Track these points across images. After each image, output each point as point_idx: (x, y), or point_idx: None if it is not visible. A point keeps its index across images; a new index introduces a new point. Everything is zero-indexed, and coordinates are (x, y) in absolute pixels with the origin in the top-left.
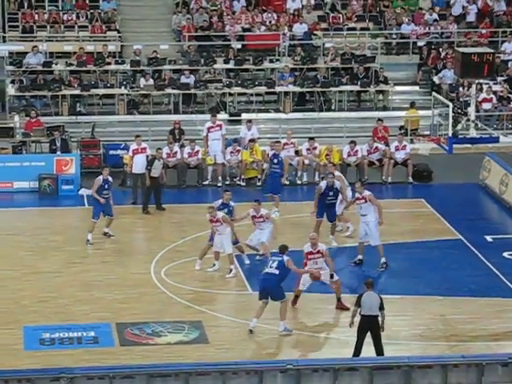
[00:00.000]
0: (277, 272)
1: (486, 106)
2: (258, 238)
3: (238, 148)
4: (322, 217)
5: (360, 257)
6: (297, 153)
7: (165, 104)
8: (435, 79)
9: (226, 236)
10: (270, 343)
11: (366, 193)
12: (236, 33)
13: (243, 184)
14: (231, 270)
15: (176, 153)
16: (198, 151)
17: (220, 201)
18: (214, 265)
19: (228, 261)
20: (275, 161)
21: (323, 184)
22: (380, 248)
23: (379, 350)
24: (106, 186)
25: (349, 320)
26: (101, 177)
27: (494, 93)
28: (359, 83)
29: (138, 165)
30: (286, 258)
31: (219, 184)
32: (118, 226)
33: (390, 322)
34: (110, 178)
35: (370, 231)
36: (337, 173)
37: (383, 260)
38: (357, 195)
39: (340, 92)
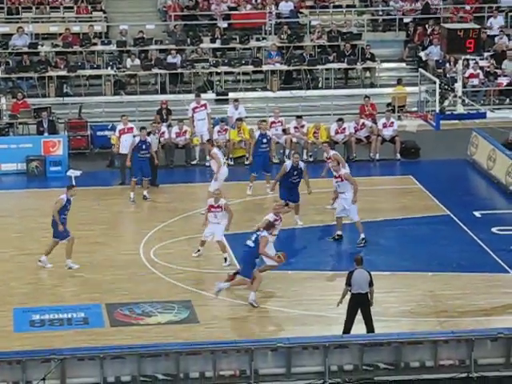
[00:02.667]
0: (252, 245)
1: (473, 81)
2: (211, 232)
3: (226, 127)
4: (285, 198)
5: (339, 232)
6: (284, 131)
7: (151, 84)
8: (422, 55)
9: (220, 225)
10: (260, 322)
11: (342, 171)
12: (222, 12)
13: (231, 163)
14: (226, 259)
15: (163, 133)
16: (185, 131)
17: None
18: (199, 250)
19: (220, 249)
20: (264, 140)
21: (288, 163)
22: (358, 224)
23: (370, 328)
24: (68, 207)
25: (338, 298)
26: (64, 196)
27: (481, 68)
28: (346, 61)
29: (126, 145)
30: (262, 234)
31: (207, 164)
32: (107, 206)
33: (379, 299)
34: (72, 199)
35: (348, 207)
36: (332, 152)
37: (362, 236)
38: (334, 174)
39: (327, 70)
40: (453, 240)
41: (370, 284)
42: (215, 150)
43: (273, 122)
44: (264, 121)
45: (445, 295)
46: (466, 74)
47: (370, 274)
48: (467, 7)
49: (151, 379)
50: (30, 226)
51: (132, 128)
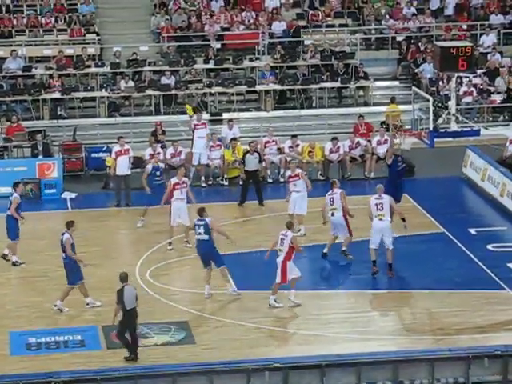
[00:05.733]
0: (207, 237)
1: (467, 99)
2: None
3: (219, 142)
4: None
5: (325, 250)
6: (279, 150)
7: (146, 105)
8: (417, 71)
9: (304, 196)
10: (256, 342)
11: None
12: (215, 32)
13: (226, 183)
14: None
15: (159, 153)
16: (180, 152)
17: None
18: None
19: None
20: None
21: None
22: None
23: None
24: (22, 205)
25: (334, 317)
26: (17, 194)
27: (474, 86)
28: (339, 80)
29: (122, 166)
30: (208, 219)
31: (203, 184)
32: (102, 228)
33: (376, 318)
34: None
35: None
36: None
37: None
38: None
39: (320, 89)
40: (448, 257)
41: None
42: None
43: (267, 142)
44: (253, 141)
45: (441, 313)
46: (460, 92)
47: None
48: (460, 25)
49: None
50: (26, 249)
51: (128, 149)
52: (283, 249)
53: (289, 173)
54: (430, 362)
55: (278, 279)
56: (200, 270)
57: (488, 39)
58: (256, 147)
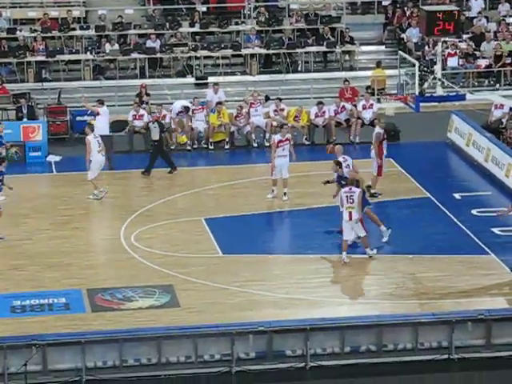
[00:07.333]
0: None
1: (452, 61)
2: (279, 167)
3: (201, 106)
4: None
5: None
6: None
7: (131, 69)
8: (403, 37)
9: (287, 160)
10: (241, 306)
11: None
12: None
13: (211, 147)
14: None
15: (142, 115)
16: (165, 115)
17: None
18: (273, 191)
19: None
20: None
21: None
22: None
23: None
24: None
25: (319, 281)
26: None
27: (460, 51)
28: (325, 44)
29: (99, 128)
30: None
31: (188, 148)
32: (87, 191)
33: (360, 282)
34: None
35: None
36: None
37: None
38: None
39: (306, 53)
40: (433, 222)
41: None
42: (89, 137)
43: (252, 103)
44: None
45: (425, 277)
46: (445, 54)
47: None
48: None
49: (133, 364)
50: (11, 212)
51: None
52: (354, 205)
53: (278, 137)
54: (413, 326)
55: (362, 233)
56: (184, 233)
57: (476, 4)
58: (157, 117)
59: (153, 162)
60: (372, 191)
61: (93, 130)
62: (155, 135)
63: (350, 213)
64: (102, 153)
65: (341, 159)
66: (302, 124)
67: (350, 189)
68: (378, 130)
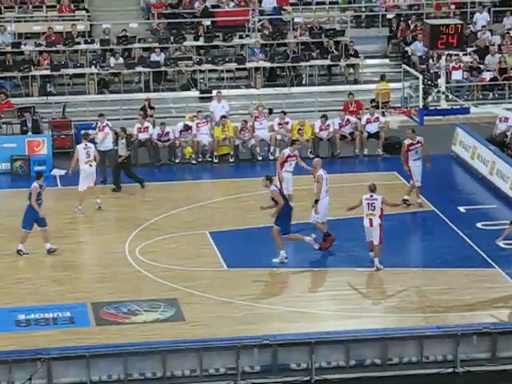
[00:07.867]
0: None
1: (457, 74)
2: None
3: (205, 120)
4: None
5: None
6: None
7: (135, 82)
8: (408, 50)
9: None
10: (245, 319)
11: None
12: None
13: (216, 161)
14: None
15: (147, 128)
16: (168, 132)
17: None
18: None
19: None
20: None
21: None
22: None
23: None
24: (42, 193)
25: (324, 295)
26: (36, 183)
27: (464, 64)
28: (329, 57)
29: (103, 142)
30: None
31: (193, 161)
32: (91, 205)
33: (365, 295)
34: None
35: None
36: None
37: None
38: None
39: (310, 66)
40: (438, 235)
41: None
42: (78, 146)
43: (256, 117)
44: (245, 121)
45: (430, 290)
46: (449, 68)
47: None
48: (450, 2)
49: (138, 378)
50: (16, 226)
51: (105, 126)
52: (375, 212)
53: (288, 151)
54: (418, 339)
55: (376, 241)
56: (189, 247)
57: (481, 17)
58: (125, 133)
59: (117, 177)
60: (405, 197)
61: (89, 141)
62: (121, 151)
63: (371, 219)
64: (90, 164)
65: (321, 172)
66: (306, 137)
67: (372, 196)
68: (405, 141)
